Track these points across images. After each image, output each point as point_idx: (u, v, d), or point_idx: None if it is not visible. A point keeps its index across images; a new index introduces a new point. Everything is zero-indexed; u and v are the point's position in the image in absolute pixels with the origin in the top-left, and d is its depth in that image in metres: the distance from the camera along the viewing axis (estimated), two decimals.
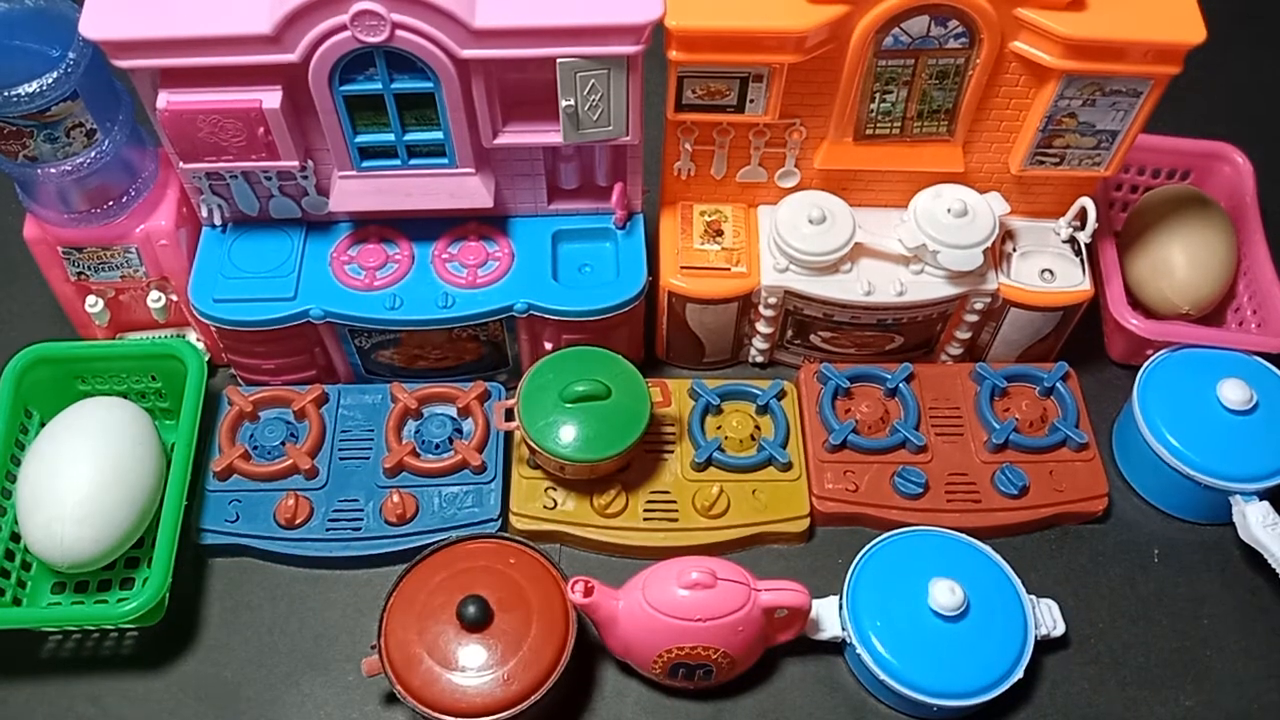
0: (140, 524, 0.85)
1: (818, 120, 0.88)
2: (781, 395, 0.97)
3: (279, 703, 0.85)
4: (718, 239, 0.94)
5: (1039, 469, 0.93)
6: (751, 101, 0.84)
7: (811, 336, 0.98)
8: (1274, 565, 0.88)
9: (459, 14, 0.75)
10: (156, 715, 0.85)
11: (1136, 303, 1.01)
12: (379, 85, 0.80)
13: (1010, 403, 0.97)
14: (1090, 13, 0.79)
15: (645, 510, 0.91)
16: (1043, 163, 0.90)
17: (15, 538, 0.87)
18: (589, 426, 0.86)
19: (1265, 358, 0.96)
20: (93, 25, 0.76)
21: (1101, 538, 0.94)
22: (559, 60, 0.78)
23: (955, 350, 1.00)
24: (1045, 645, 0.86)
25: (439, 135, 0.84)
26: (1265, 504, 0.90)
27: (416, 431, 0.94)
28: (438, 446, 0.93)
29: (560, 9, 0.76)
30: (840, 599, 0.85)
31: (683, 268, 0.93)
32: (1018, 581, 0.85)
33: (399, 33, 0.75)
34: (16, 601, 0.85)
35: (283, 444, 0.93)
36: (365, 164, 0.87)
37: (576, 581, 0.78)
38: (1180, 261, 0.99)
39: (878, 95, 0.86)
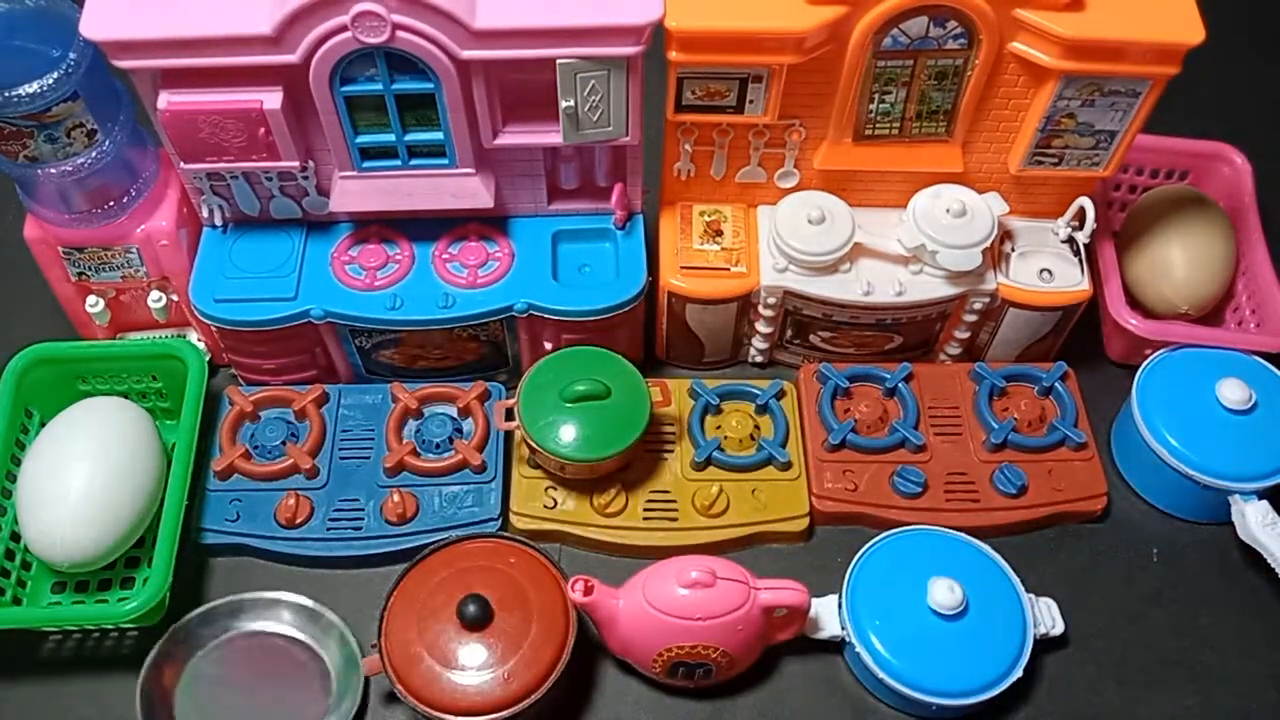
0: (140, 523, 0.85)
1: (817, 121, 0.89)
2: (781, 395, 0.97)
3: None
4: (717, 239, 0.95)
5: (1038, 468, 0.93)
6: (751, 102, 0.84)
7: (811, 336, 0.99)
8: (1273, 565, 0.88)
9: (459, 15, 0.75)
10: None
11: (1135, 302, 1.01)
12: (380, 86, 0.80)
13: (1009, 402, 0.97)
14: (1089, 13, 0.79)
15: (645, 510, 0.91)
16: (1041, 163, 0.90)
17: (15, 538, 0.87)
18: (589, 426, 0.86)
19: (1264, 357, 0.96)
20: (93, 25, 0.76)
21: (1100, 537, 0.94)
22: (559, 61, 0.78)
23: (954, 350, 1.00)
24: (1044, 644, 0.86)
25: (439, 136, 0.85)
26: (1264, 503, 0.90)
27: (417, 431, 0.94)
28: (438, 446, 0.93)
29: (560, 10, 0.76)
30: (840, 598, 0.85)
31: (682, 268, 0.93)
32: (1017, 580, 0.85)
33: (399, 34, 0.76)
34: (16, 601, 0.85)
35: (283, 444, 0.93)
36: (366, 164, 0.87)
37: (576, 580, 0.78)
38: (1179, 261, 0.99)
39: (877, 96, 0.86)
